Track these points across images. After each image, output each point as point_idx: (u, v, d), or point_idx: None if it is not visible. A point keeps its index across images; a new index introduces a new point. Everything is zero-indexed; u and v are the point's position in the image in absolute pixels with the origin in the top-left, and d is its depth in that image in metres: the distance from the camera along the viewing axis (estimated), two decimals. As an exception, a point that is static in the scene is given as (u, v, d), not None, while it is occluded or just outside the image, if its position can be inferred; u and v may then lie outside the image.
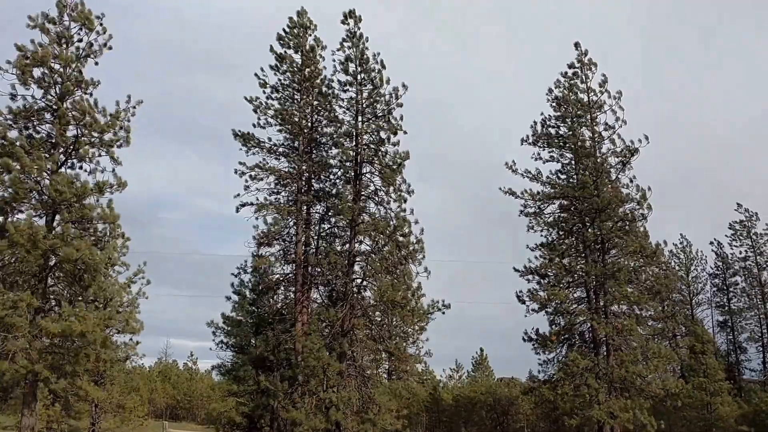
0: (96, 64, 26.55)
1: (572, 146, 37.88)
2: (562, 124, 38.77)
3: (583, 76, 38.55)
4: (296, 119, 34.99)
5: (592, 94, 38.26)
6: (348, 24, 33.89)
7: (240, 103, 35.16)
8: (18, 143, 24.71)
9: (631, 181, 36.45)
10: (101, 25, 26.16)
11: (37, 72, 25.39)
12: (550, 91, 39.13)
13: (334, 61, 34.24)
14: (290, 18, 36.09)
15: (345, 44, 33.91)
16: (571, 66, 38.71)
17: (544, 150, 38.83)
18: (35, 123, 25.68)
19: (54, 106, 25.69)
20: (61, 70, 25.77)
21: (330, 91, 34.77)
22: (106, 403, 26.84)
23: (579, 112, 38.24)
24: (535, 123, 39.19)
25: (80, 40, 26.23)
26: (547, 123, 39.07)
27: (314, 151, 36.08)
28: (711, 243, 61.09)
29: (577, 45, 38.67)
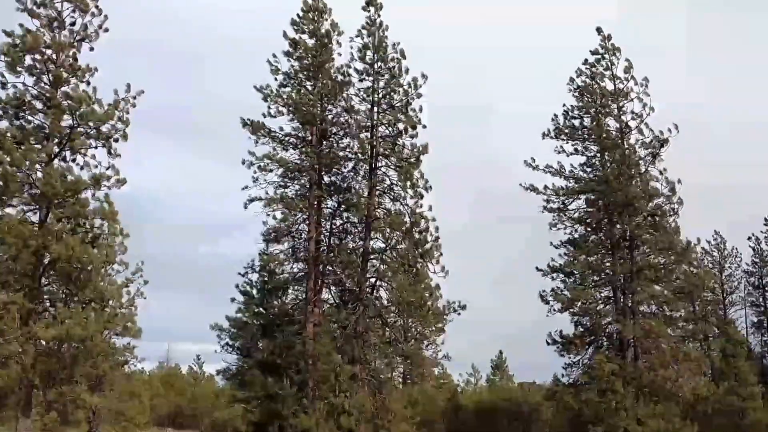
0: (91, 49, 25.07)
1: (597, 137, 36.15)
2: (585, 115, 37.05)
3: (608, 63, 36.67)
4: (309, 108, 33.31)
5: (618, 81, 36.45)
6: (369, 11, 33.21)
7: (241, 100, 33.74)
8: (8, 134, 23.35)
9: (661, 174, 34.94)
10: (96, 6, 24.64)
11: (27, 59, 23.94)
12: (572, 80, 37.36)
13: (351, 48, 33.39)
14: (305, 1, 34.51)
15: (363, 31, 33.14)
16: (594, 52, 36.90)
17: (567, 143, 37.12)
18: (27, 112, 24.24)
19: (47, 95, 24.26)
20: (54, 55, 24.29)
21: (346, 80, 33.46)
22: (104, 410, 25.48)
23: (603, 101, 36.49)
24: (557, 115, 37.48)
25: (73, 23, 24.71)
26: (570, 114, 37.30)
27: (326, 143, 34.50)
28: (749, 238, 58.54)
29: (599, 30, 36.83)
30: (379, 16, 33.17)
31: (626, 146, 35.75)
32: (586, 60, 36.99)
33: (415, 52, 34.15)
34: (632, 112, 36.00)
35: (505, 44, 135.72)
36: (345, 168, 34.12)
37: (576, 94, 37.19)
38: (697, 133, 75.54)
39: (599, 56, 36.75)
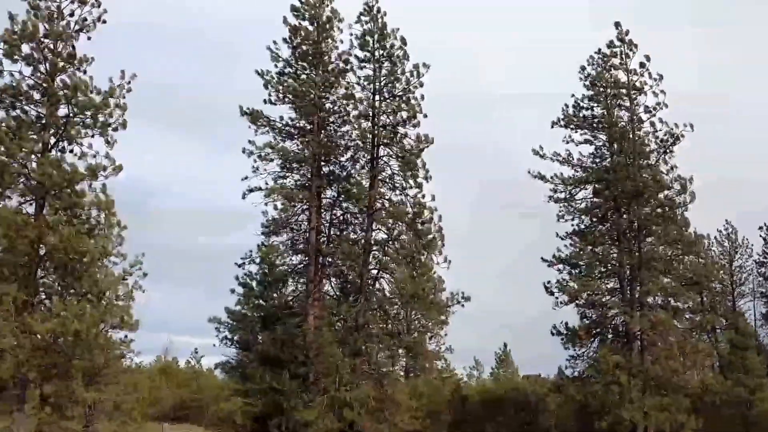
0: (89, 39, 24.79)
1: (607, 126, 35.45)
2: (596, 105, 36.24)
3: (623, 56, 35.77)
4: (310, 96, 32.73)
5: (632, 74, 35.58)
6: (367, -4, 32.68)
7: (241, 89, 33.15)
8: (4, 124, 23.06)
9: (672, 169, 34.22)
10: (96, -3, 24.27)
11: (25, 48, 23.65)
12: (583, 68, 36.57)
13: (351, 35, 32.94)
14: (305, -13, 33.82)
15: (363, 18, 32.74)
16: (610, 45, 36.00)
17: (576, 132, 36.35)
18: (23, 102, 23.94)
19: (44, 84, 23.93)
20: (52, 45, 23.98)
21: (347, 68, 32.92)
22: (106, 404, 25.08)
23: (614, 92, 35.71)
24: (567, 105, 36.70)
25: (72, 14, 24.45)
26: (580, 104, 36.51)
27: (326, 131, 33.91)
28: (760, 228, 57.56)
29: (617, 24, 35.97)
30: (377, 1, 32.83)
31: (636, 137, 35.01)
32: (599, 50, 36.24)
33: (418, 51, 33.65)
34: (645, 106, 35.35)
35: (503, 41, 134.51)
36: (343, 157, 33.73)
37: (587, 83, 36.42)
38: (706, 126, 74.41)
39: (614, 49, 35.85)
